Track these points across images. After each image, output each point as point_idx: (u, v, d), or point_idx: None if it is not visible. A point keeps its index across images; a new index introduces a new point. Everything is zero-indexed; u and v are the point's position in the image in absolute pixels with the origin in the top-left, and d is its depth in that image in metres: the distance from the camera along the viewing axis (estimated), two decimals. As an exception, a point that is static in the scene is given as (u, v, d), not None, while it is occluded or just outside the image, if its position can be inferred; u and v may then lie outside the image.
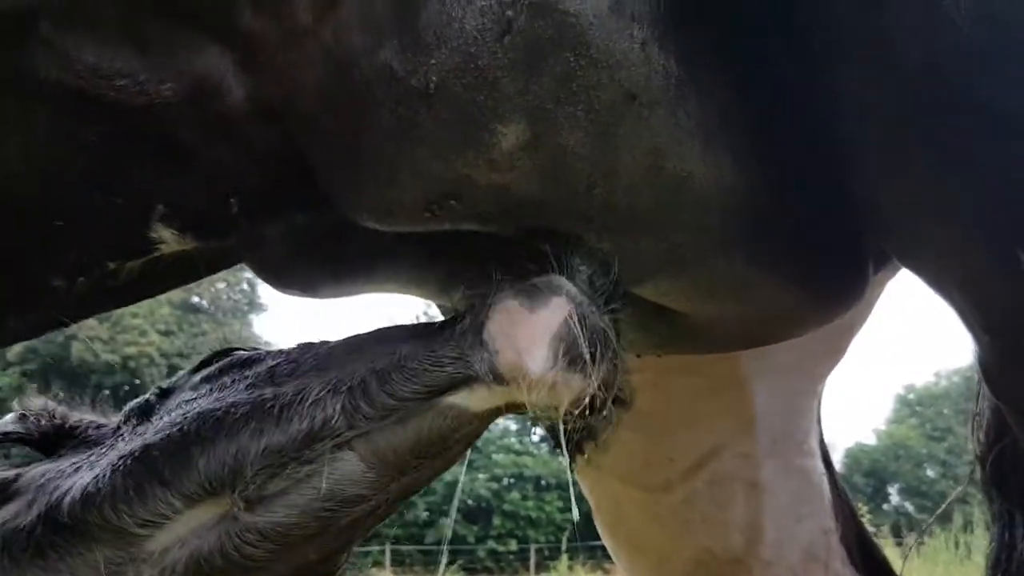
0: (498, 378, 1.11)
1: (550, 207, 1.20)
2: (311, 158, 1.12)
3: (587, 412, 1.19)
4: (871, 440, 44.11)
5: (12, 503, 1.17)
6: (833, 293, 1.50)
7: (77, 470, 1.18)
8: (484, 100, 1.08)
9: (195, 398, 1.21)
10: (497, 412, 1.17)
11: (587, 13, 1.09)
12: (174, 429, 1.15)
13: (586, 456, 2.05)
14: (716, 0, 1.23)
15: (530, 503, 31.33)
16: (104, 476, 1.13)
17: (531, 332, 1.11)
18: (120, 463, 1.13)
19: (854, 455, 42.26)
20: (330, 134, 1.09)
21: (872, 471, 41.07)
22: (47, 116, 1.06)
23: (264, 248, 1.35)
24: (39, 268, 1.17)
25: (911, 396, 44.51)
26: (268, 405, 1.13)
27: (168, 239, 1.16)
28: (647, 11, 1.15)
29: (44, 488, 1.17)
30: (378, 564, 25.35)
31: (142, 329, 29.15)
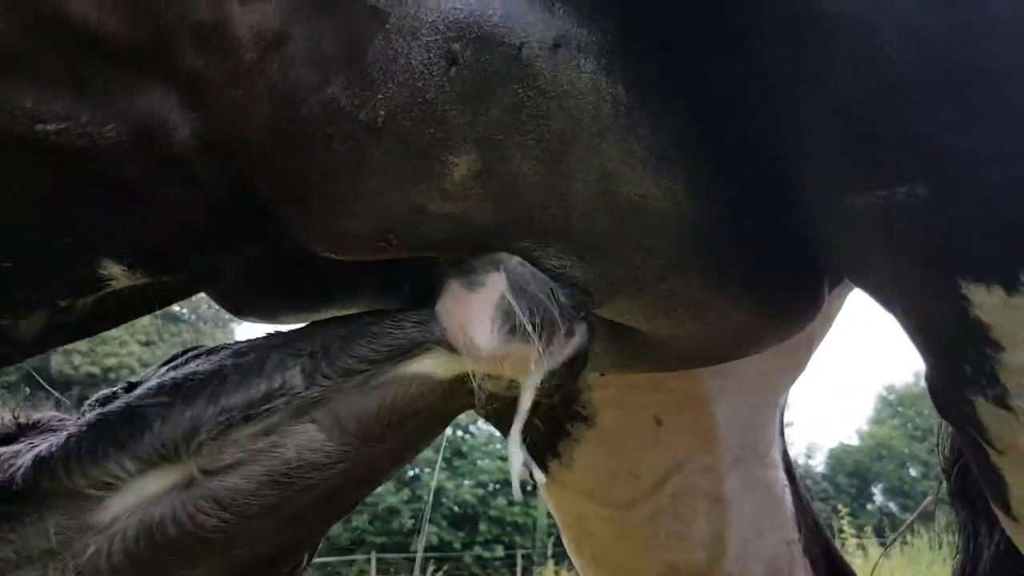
0: (451, 348, 1.15)
1: (505, 233, 1.22)
2: (262, 193, 1.13)
3: (554, 389, 1.22)
4: (854, 440, 44.37)
5: None
6: (790, 311, 1.52)
7: (33, 449, 1.16)
8: (433, 132, 1.09)
9: (157, 380, 1.20)
10: (458, 386, 1.18)
11: (533, 45, 1.11)
12: (132, 399, 1.14)
13: (550, 472, 2.08)
14: (663, 29, 1.24)
15: (516, 509, 31.27)
16: (58, 443, 1.12)
17: (472, 309, 1.16)
18: (76, 430, 1.12)
19: (837, 455, 42.47)
20: (280, 169, 1.10)
21: (855, 471, 41.28)
22: (-13, 161, 1.05)
23: (219, 280, 1.36)
24: (-14, 307, 1.17)
25: (892, 397, 44.78)
26: (227, 372, 1.13)
27: (118, 275, 1.16)
28: (594, 41, 1.17)
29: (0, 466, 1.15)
30: (363, 573, 25.25)
31: (122, 339, 28.90)
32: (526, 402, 1.20)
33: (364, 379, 1.13)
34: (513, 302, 1.15)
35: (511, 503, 31.37)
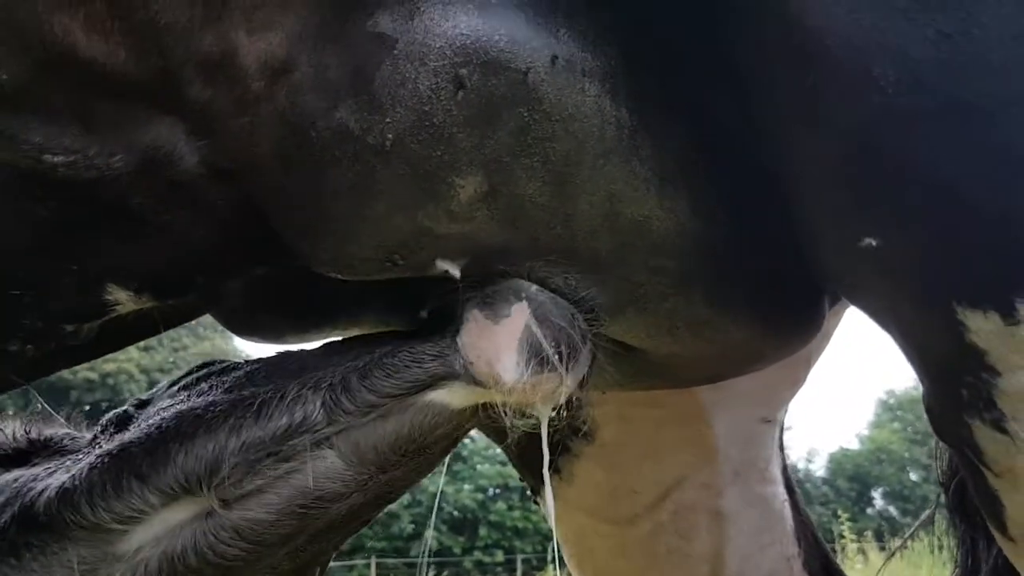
0: (476, 383, 1.15)
1: (511, 252, 1.23)
2: (270, 216, 1.14)
3: (563, 408, 1.24)
4: (854, 445, 44.35)
5: None
6: (790, 330, 1.54)
7: (52, 473, 1.17)
8: (440, 155, 1.11)
9: (173, 404, 1.21)
10: (476, 410, 1.20)
11: (538, 70, 1.12)
12: (152, 428, 1.14)
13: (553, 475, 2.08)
14: (666, 54, 1.26)
15: (516, 513, 31.25)
16: (81, 474, 1.12)
17: (498, 343, 1.16)
18: (98, 461, 1.13)
19: (838, 460, 42.46)
20: (288, 193, 1.11)
21: (856, 475, 41.26)
22: (-4, 194, 1.06)
23: (225, 302, 1.37)
24: (-5, 335, 1.18)
25: (892, 401, 44.78)
26: (247, 402, 1.13)
27: (125, 300, 1.17)
28: (598, 66, 1.18)
29: (18, 490, 1.15)
30: (363, 578, 25.21)
31: (122, 344, 28.87)
32: (546, 427, 1.21)
33: (384, 411, 1.14)
34: (539, 333, 1.16)
35: (511, 508, 31.36)
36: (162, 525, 1.10)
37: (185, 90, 1.04)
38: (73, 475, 1.12)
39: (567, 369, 1.17)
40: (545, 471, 1.25)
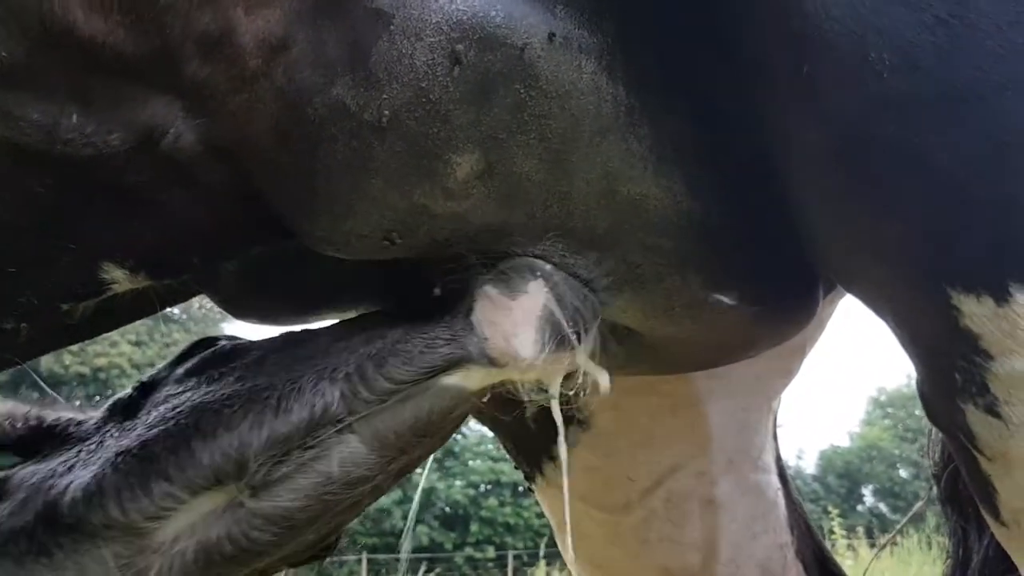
0: (492, 362, 1.16)
1: (507, 231, 1.23)
2: (267, 194, 1.13)
3: (578, 384, 1.26)
4: (845, 442, 44.54)
5: (4, 503, 1.15)
6: (785, 315, 1.54)
7: (70, 468, 1.17)
8: (437, 132, 1.10)
9: (183, 391, 1.22)
10: (491, 388, 1.21)
11: (535, 47, 1.12)
12: (170, 424, 1.15)
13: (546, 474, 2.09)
14: (663, 31, 1.26)
15: (507, 509, 31.30)
16: (104, 475, 1.12)
17: (515, 319, 1.16)
18: (119, 461, 1.13)
19: (828, 457, 42.67)
20: (286, 170, 1.10)
21: (846, 472, 41.46)
22: (-8, 171, 1.06)
23: (221, 281, 1.37)
24: (-10, 312, 1.17)
25: (883, 398, 44.99)
26: (265, 396, 1.14)
27: (121, 279, 1.17)
28: (595, 43, 1.18)
29: (38, 488, 1.15)
30: (354, 574, 25.22)
31: (112, 340, 28.82)
32: (557, 405, 1.22)
33: (402, 397, 1.15)
34: (557, 311, 1.16)
35: (502, 504, 31.43)
36: (195, 515, 1.11)
37: (183, 68, 1.03)
38: (96, 476, 1.12)
39: (584, 346, 1.18)
40: (560, 440, 1.24)
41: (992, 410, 1.11)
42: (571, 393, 1.22)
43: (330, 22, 1.07)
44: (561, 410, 1.28)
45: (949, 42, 1.03)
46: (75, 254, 1.14)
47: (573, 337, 1.16)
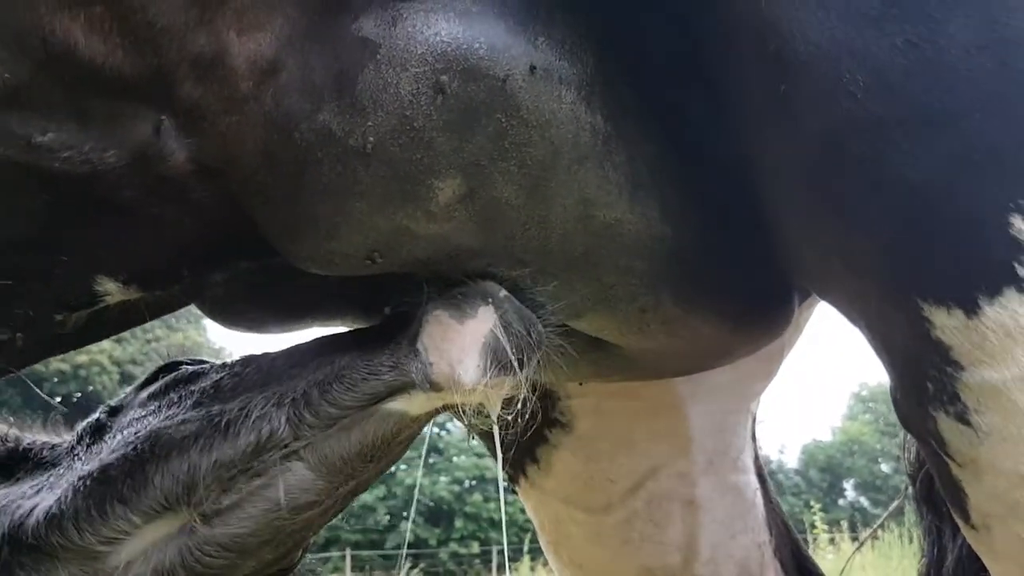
0: (434, 386, 1.18)
1: (487, 253, 1.27)
2: (254, 213, 1.16)
3: (518, 411, 1.27)
4: (827, 436, 44.73)
5: None
6: (760, 325, 1.58)
7: (37, 492, 1.22)
8: (420, 158, 1.14)
9: (145, 415, 1.25)
10: (435, 413, 1.25)
11: (516, 77, 1.16)
12: (128, 448, 1.19)
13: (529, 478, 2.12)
14: (640, 62, 1.29)
15: (492, 505, 31.29)
16: (66, 498, 1.17)
17: (461, 343, 1.19)
18: (80, 484, 1.17)
19: (810, 451, 42.84)
20: (272, 191, 1.13)
21: (828, 467, 41.64)
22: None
23: (209, 293, 1.40)
24: (-17, 323, 1.20)
25: (864, 393, 45.19)
26: (216, 420, 1.17)
27: (113, 291, 1.20)
28: (574, 74, 1.22)
29: (6, 509, 1.19)
30: (338, 570, 25.17)
31: (95, 336, 28.54)
32: (497, 430, 1.25)
33: (347, 423, 1.18)
34: (503, 337, 1.19)
35: (487, 499, 31.41)
36: (148, 540, 1.15)
37: (177, 88, 1.06)
38: (59, 499, 1.17)
39: (526, 375, 1.21)
40: (499, 472, 1.27)
41: (963, 418, 1.15)
42: (509, 417, 1.24)
43: (319, 48, 1.10)
44: (533, 420, 1.31)
45: (920, 65, 1.07)
46: (70, 267, 1.17)
47: (516, 363, 1.19)
